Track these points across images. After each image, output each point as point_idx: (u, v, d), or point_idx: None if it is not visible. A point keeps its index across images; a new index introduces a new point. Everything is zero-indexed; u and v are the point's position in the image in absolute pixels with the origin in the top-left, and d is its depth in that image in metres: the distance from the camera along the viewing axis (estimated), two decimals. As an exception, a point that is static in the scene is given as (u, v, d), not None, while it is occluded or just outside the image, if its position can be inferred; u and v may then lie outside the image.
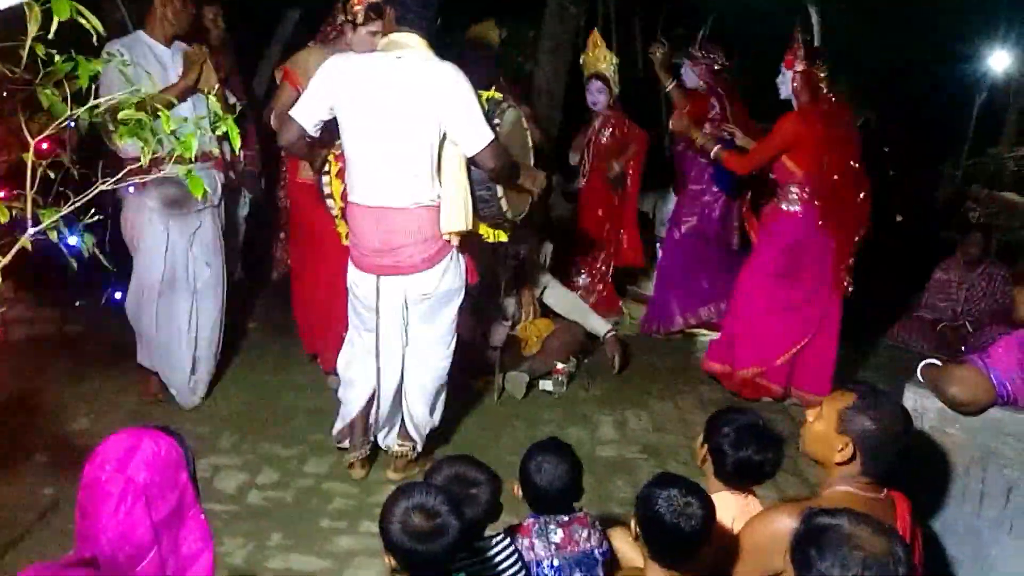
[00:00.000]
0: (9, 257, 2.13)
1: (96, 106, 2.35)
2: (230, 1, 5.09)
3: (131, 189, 3.90)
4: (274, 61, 6.21)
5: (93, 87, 2.33)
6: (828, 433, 2.29)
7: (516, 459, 3.90)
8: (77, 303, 4.24)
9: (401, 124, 3.32)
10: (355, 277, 3.59)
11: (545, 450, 2.60)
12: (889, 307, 6.63)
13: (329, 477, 3.89)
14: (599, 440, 4.39)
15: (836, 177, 4.65)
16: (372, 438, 3.89)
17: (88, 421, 4.20)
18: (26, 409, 4.22)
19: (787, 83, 4.73)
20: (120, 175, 2.54)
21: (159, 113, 2.40)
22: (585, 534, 2.55)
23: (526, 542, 2.54)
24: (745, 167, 4.88)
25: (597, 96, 5.85)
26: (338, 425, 3.90)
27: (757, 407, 4.81)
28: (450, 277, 3.57)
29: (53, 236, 2.40)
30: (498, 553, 2.45)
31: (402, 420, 3.83)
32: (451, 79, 3.31)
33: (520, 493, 2.61)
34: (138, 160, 2.40)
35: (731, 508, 2.50)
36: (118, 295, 4.28)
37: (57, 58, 2.31)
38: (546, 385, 4.92)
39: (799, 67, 4.68)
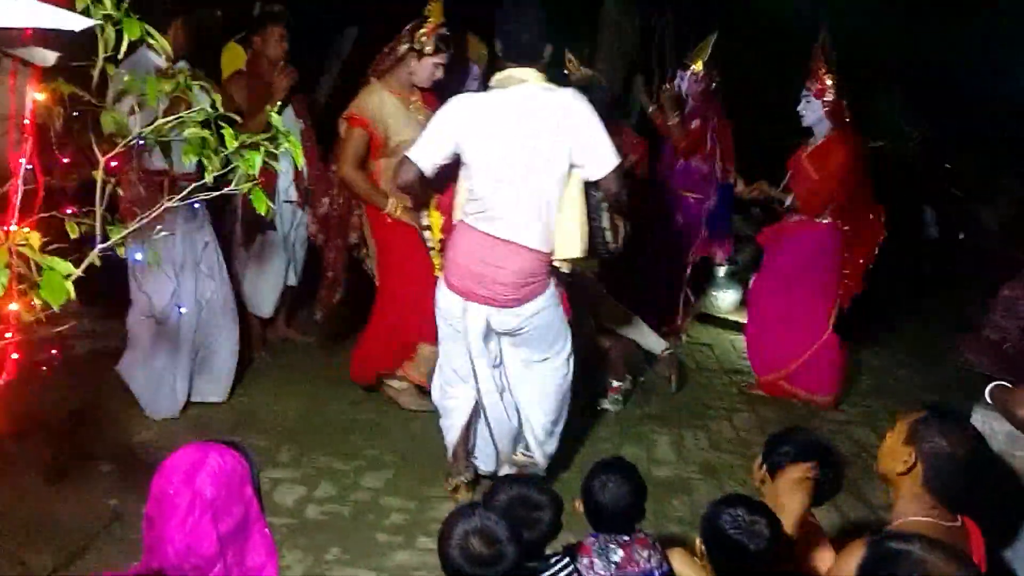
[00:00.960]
0: (79, 271, 2.17)
1: (162, 125, 2.40)
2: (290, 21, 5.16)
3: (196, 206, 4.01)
4: (333, 78, 6.28)
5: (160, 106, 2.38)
6: (895, 445, 2.24)
7: (571, 476, 3.97)
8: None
9: (534, 157, 3.29)
10: (442, 294, 3.54)
11: (610, 469, 2.57)
12: (954, 326, 6.49)
13: (386, 491, 3.91)
14: (655, 459, 4.35)
15: (862, 192, 4.98)
16: (474, 461, 3.84)
17: (151, 434, 4.27)
18: (91, 421, 4.30)
19: (816, 111, 4.90)
20: (186, 192, 2.59)
21: (222, 131, 2.44)
22: (646, 554, 2.51)
23: (586, 561, 2.51)
24: (819, 207, 4.98)
25: None
26: (449, 454, 3.83)
27: (817, 423, 4.75)
28: (545, 315, 3.49)
29: (121, 252, 2.45)
30: (557, 573, 2.43)
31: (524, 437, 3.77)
32: (576, 104, 3.31)
33: (581, 509, 2.59)
34: (192, 176, 2.44)
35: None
36: (184, 309, 4.36)
37: (127, 78, 2.36)
38: (603, 403, 4.88)
39: (829, 96, 4.84)
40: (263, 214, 2.49)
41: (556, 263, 3.46)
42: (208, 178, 2.51)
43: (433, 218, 3.85)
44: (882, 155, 8.82)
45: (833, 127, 4.89)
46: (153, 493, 1.73)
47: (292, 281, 5.40)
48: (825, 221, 4.97)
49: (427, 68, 4.21)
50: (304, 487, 3.90)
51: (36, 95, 2.19)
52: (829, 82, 4.82)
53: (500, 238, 3.35)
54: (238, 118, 2.62)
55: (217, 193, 2.64)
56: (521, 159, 3.29)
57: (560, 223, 3.39)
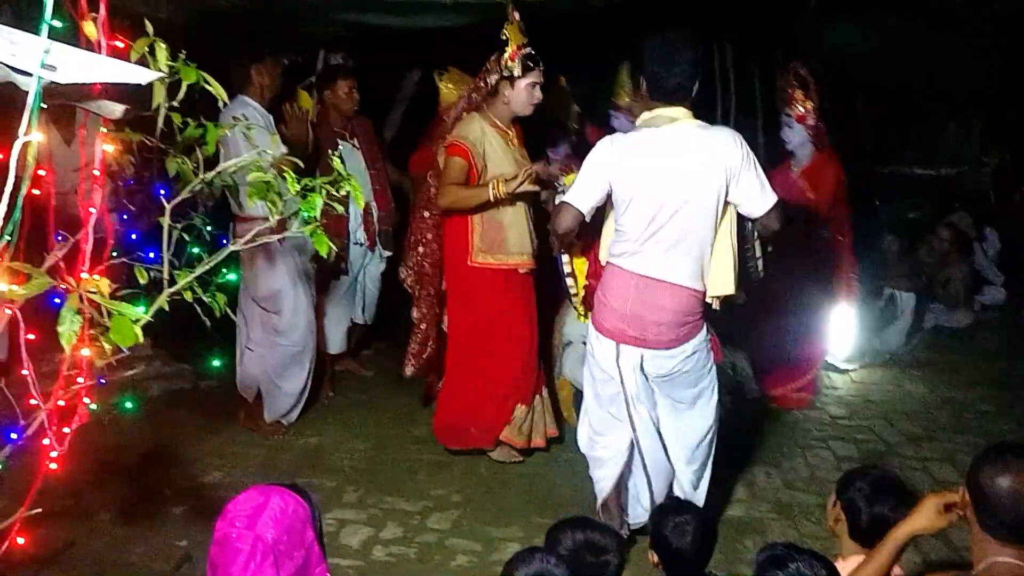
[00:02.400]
0: (148, 316, 2.21)
1: (224, 171, 2.45)
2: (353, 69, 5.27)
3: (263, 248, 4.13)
4: (398, 119, 6.38)
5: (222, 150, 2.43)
6: (961, 485, 2.14)
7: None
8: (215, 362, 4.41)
9: (689, 195, 3.23)
10: (594, 339, 3.47)
11: (682, 511, 2.52)
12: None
13: (452, 533, 3.88)
14: (727, 499, 4.25)
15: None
16: (626, 511, 3.73)
17: (221, 475, 4.32)
18: (162, 463, 4.37)
19: (799, 135, 5.15)
20: (250, 235, 2.63)
21: (284, 175, 2.48)
22: (716, 598, 2.45)
23: (654, 605, 2.45)
24: (818, 224, 5.28)
25: None
26: (598, 504, 3.70)
27: (895, 461, 4.60)
28: (699, 358, 3.45)
29: (188, 296, 2.49)
30: (625, 617, 2.38)
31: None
32: (736, 142, 3.27)
33: (655, 559, 2.53)
34: (262, 219, 2.48)
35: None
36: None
37: (190, 125, 2.42)
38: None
39: (811, 121, 5.10)
40: (323, 255, 2.52)
41: (708, 300, 3.43)
42: (272, 220, 2.55)
43: (577, 264, 3.81)
44: (955, 183, 8.66)
45: (817, 149, 5.18)
46: (216, 537, 1.74)
47: (360, 319, 5.53)
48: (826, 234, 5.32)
49: (522, 92, 4.12)
50: (370, 528, 3.90)
51: (106, 146, 2.25)
52: (809, 106, 5.05)
53: (654, 278, 3.30)
54: (300, 163, 2.65)
55: (280, 236, 2.69)
56: (676, 197, 3.23)
57: (714, 260, 3.37)
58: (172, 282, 2.43)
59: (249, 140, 2.76)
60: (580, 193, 3.34)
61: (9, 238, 1.83)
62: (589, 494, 4.11)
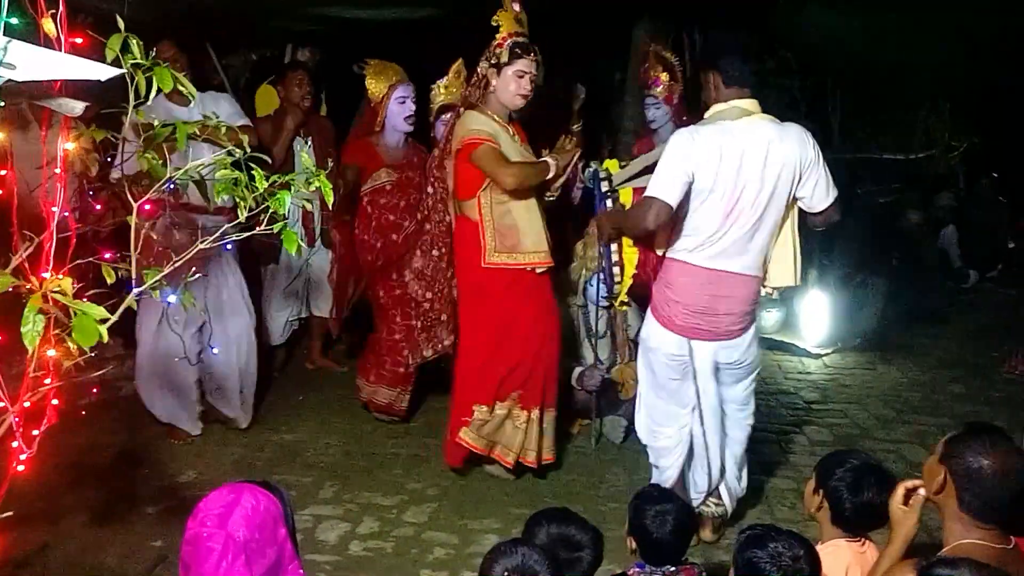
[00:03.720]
0: (117, 316, 2.19)
1: (193, 168, 2.43)
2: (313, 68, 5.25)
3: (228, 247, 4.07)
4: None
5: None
6: (932, 465, 2.16)
7: (616, 506, 3.92)
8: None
9: (764, 189, 3.28)
10: (660, 336, 3.49)
11: (663, 500, 2.52)
12: (1004, 339, 6.35)
13: (429, 526, 3.88)
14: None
15: None
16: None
17: (195, 473, 4.29)
18: (135, 463, 4.34)
19: (666, 115, 5.20)
20: (218, 233, 2.61)
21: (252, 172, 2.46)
22: (692, 585, 2.46)
23: (631, 593, 2.46)
24: None
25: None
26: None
27: (867, 444, 4.64)
28: (756, 346, 3.56)
29: (156, 295, 2.47)
30: (601, 606, 2.38)
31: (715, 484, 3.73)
32: (808, 139, 3.34)
33: (633, 546, 2.53)
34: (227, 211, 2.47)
35: (846, 557, 2.38)
36: (216, 350, 4.44)
37: (156, 123, 2.39)
38: (645, 428, 4.81)
39: (675, 101, 5.17)
40: (293, 254, 2.51)
41: (767, 290, 3.50)
42: (242, 216, 2.53)
43: (627, 254, 3.73)
44: (926, 167, 8.74)
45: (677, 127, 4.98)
46: (187, 537, 1.73)
47: (319, 311, 5.54)
48: None
49: (508, 81, 3.89)
50: (347, 523, 3.88)
51: (67, 145, 2.23)
52: (675, 88, 5.16)
53: (726, 271, 3.35)
54: (268, 159, 2.64)
55: (250, 234, 2.67)
56: (752, 191, 3.26)
57: (776, 251, 3.45)
58: (140, 281, 2.41)
59: (220, 139, 2.74)
60: (666, 186, 3.25)
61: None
62: (563, 485, 4.13)
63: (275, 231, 2.53)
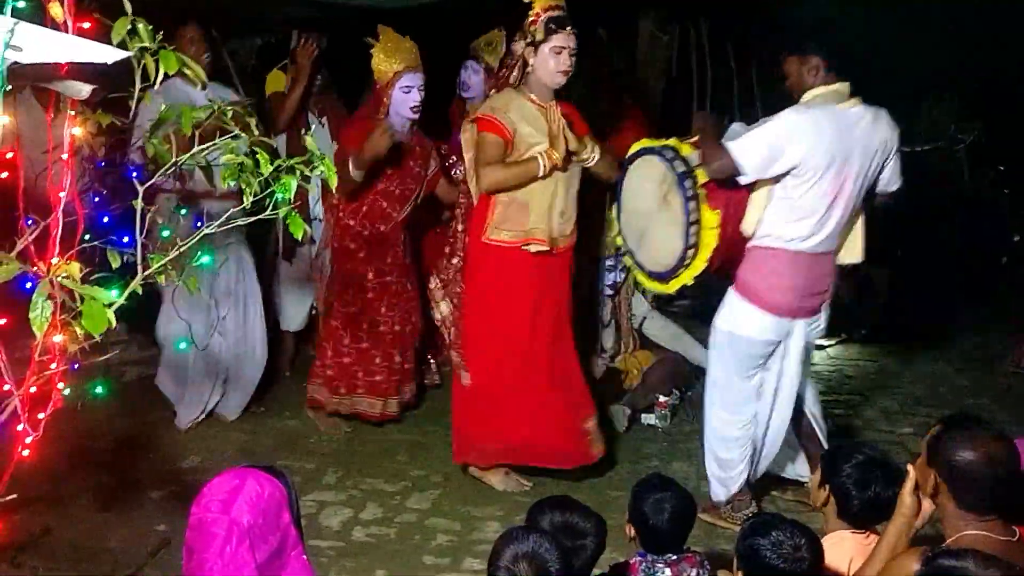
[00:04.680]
0: (121, 300, 2.19)
1: (199, 153, 2.43)
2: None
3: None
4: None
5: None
6: (922, 466, 2.16)
7: (619, 495, 3.92)
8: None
9: (864, 171, 3.43)
10: (763, 323, 3.53)
11: (662, 488, 2.52)
12: (1008, 331, 6.33)
13: (432, 513, 3.89)
14: (704, 475, 4.26)
15: None
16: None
17: (199, 459, 4.30)
18: (139, 448, 4.35)
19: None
20: (224, 217, 2.61)
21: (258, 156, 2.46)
22: (694, 573, 2.46)
23: (632, 581, 2.47)
24: None
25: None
26: (733, 489, 3.76)
27: (871, 436, 4.64)
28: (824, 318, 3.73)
29: (162, 280, 2.47)
30: (603, 595, 2.39)
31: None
32: (894, 124, 3.52)
33: (632, 533, 2.54)
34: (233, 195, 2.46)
35: (850, 548, 2.39)
36: (221, 338, 4.45)
37: (163, 107, 2.39)
38: (649, 419, 4.83)
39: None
40: (297, 237, 2.50)
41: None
42: (247, 201, 2.53)
43: (706, 237, 3.48)
44: (929, 160, 8.70)
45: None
46: (191, 522, 1.74)
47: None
48: None
49: (546, 58, 3.72)
50: (350, 509, 3.90)
51: (74, 129, 2.22)
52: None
53: (826, 251, 3.52)
54: (273, 142, 2.63)
55: (256, 218, 2.66)
56: (855, 173, 3.41)
57: (853, 230, 3.63)
58: (146, 265, 2.41)
59: (227, 123, 2.73)
60: (752, 155, 3.28)
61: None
62: (565, 473, 4.12)
63: (281, 216, 2.53)
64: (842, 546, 2.41)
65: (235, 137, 2.48)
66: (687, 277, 3.54)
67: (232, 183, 2.50)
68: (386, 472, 4.23)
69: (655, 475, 2.71)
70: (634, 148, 3.77)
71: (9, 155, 1.90)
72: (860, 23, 5.88)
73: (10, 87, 1.69)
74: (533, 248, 3.84)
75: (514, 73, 3.87)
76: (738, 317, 3.56)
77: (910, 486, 2.17)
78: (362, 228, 4.48)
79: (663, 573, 2.45)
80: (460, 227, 4.11)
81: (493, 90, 4.00)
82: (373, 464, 4.31)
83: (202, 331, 4.42)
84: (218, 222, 2.57)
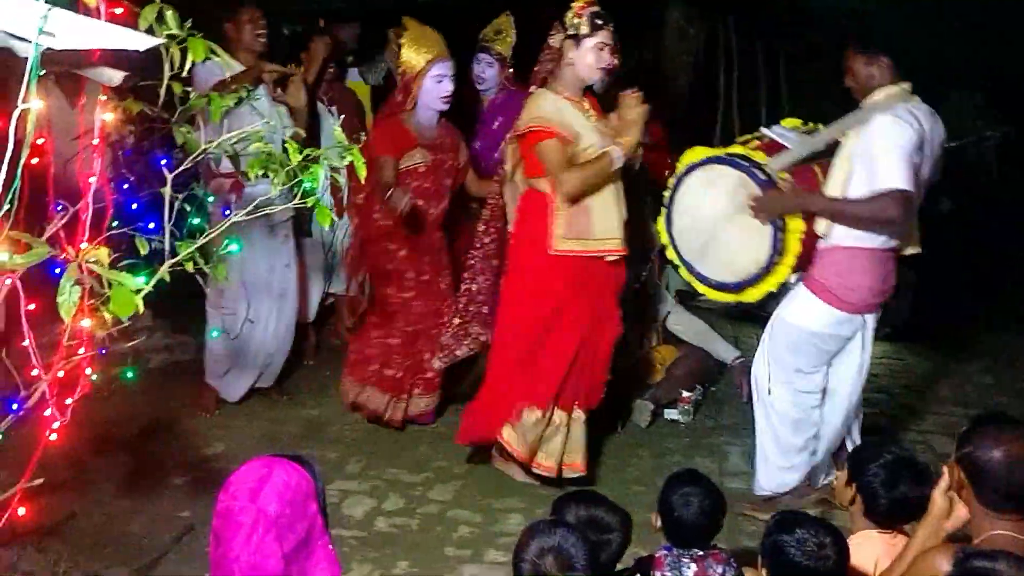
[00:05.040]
0: (149, 287, 2.20)
1: (225, 141, 2.43)
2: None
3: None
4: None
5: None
6: (953, 463, 2.13)
7: (642, 490, 3.91)
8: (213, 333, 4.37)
9: (931, 167, 3.50)
10: (840, 319, 3.55)
11: (691, 482, 2.51)
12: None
13: (454, 504, 3.89)
14: (728, 471, 4.25)
15: None
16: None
17: (223, 446, 4.32)
18: (163, 434, 4.38)
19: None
20: (251, 206, 2.61)
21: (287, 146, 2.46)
22: (720, 570, 2.44)
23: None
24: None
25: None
26: (796, 477, 3.76)
27: (897, 434, 4.60)
28: None
29: (189, 267, 2.48)
30: (628, 589, 2.38)
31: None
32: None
33: (658, 524, 2.52)
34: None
35: (876, 547, 2.36)
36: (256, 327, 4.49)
37: (192, 95, 2.39)
38: (672, 414, 4.80)
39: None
40: (325, 227, 2.51)
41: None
42: (274, 191, 2.53)
43: (791, 243, 3.47)
44: (957, 157, 8.61)
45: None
46: (218, 510, 1.74)
47: (335, 288, 5.42)
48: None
49: (588, 53, 3.65)
50: (373, 499, 3.90)
51: (105, 115, 2.23)
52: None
53: (893, 248, 3.55)
54: (302, 132, 2.64)
55: (282, 207, 2.67)
56: (927, 170, 3.48)
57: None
58: (173, 253, 2.42)
59: (257, 110, 2.74)
60: (908, 177, 3.24)
61: (9, 207, 1.81)
62: (589, 467, 4.10)
63: (308, 205, 2.53)
64: (868, 546, 2.38)
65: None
66: (772, 284, 3.53)
67: (259, 172, 2.51)
68: (408, 462, 4.23)
69: (688, 470, 2.70)
70: (693, 158, 3.68)
71: (40, 141, 1.90)
72: (893, 17, 5.82)
73: (43, 72, 1.69)
74: (610, 257, 3.81)
75: (548, 66, 3.78)
76: (811, 313, 3.55)
77: (943, 486, 2.15)
78: (399, 228, 4.32)
79: (689, 568, 2.43)
80: (490, 226, 4.05)
81: (531, 98, 3.79)
82: (396, 454, 4.31)
83: (264, 314, 4.56)
84: (245, 211, 2.57)
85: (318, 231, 5.16)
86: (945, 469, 2.15)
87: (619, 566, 2.49)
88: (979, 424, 2.10)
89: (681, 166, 3.72)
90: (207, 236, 2.50)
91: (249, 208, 2.58)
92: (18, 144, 1.76)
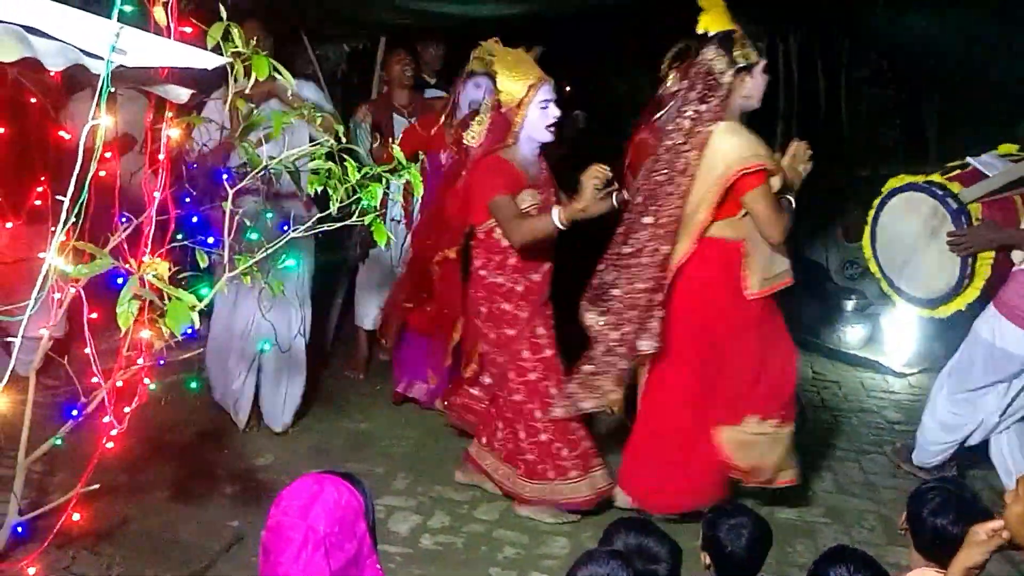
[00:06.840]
0: (205, 303, 2.23)
1: (288, 156, 2.47)
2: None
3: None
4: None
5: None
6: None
7: (689, 518, 3.84)
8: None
9: None
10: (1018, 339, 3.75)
11: (737, 513, 2.48)
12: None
13: (499, 524, 3.87)
14: (778, 501, 4.18)
15: None
16: None
17: (273, 457, 4.35)
18: (216, 444, 4.42)
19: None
20: (310, 223, 2.65)
21: (345, 163, 2.49)
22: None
23: (705, 608, 2.42)
24: None
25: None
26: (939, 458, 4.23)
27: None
28: None
29: (246, 281, 2.52)
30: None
31: None
32: None
33: (707, 561, 2.49)
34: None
35: (930, 585, 2.31)
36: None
37: (255, 111, 2.44)
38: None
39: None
40: (382, 246, 2.53)
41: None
42: (333, 208, 2.57)
43: (982, 268, 3.80)
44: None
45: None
46: (269, 524, 1.75)
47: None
48: None
49: (760, 80, 3.50)
50: (419, 516, 3.91)
51: (171, 131, 2.28)
52: None
53: None
54: (360, 150, 2.67)
55: (341, 224, 2.70)
56: None
57: None
58: (233, 266, 2.45)
59: (315, 128, 2.77)
60: None
61: (75, 219, 1.85)
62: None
63: (365, 223, 2.56)
64: (921, 582, 2.33)
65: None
66: (960, 303, 3.90)
67: (318, 189, 2.55)
68: (455, 481, 4.23)
69: (727, 500, 2.66)
70: (896, 183, 4.07)
71: (107, 155, 1.95)
72: (959, 40, 5.71)
73: (113, 89, 1.73)
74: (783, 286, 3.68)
75: (720, 108, 3.45)
76: (1001, 332, 3.78)
77: (993, 525, 2.08)
78: (514, 284, 3.82)
79: (740, 602, 2.40)
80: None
81: (730, 132, 3.46)
82: (442, 471, 4.31)
83: (285, 331, 4.41)
84: (305, 226, 2.61)
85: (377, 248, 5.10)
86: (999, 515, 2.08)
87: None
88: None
89: (885, 189, 4.14)
90: (266, 250, 2.55)
91: (309, 223, 2.62)
92: (87, 158, 1.81)
